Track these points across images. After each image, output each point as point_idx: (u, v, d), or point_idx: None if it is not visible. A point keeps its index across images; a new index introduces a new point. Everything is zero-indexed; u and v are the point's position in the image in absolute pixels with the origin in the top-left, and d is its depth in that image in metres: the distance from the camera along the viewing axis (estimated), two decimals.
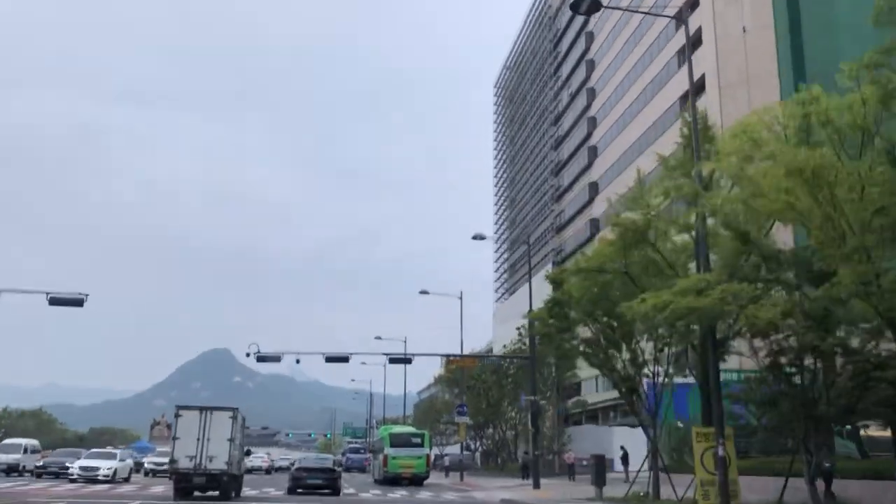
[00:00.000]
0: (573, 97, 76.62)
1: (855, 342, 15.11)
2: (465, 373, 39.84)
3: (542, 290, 77.90)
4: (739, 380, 19.98)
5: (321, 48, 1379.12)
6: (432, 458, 41.88)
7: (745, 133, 14.03)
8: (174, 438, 19.63)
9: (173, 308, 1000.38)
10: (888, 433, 19.53)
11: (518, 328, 40.65)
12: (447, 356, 30.36)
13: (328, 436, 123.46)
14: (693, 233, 16.55)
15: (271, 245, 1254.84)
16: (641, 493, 20.01)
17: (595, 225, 69.00)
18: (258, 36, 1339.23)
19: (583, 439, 38.12)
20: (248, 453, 29.95)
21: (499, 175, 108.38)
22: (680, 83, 54.17)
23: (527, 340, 38.48)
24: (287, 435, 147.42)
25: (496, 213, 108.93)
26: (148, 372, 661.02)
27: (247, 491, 24.16)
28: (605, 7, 15.57)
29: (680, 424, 26.48)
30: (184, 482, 19.50)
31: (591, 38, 72.75)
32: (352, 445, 74.81)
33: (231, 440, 19.54)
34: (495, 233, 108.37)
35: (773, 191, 12.88)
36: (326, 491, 24.62)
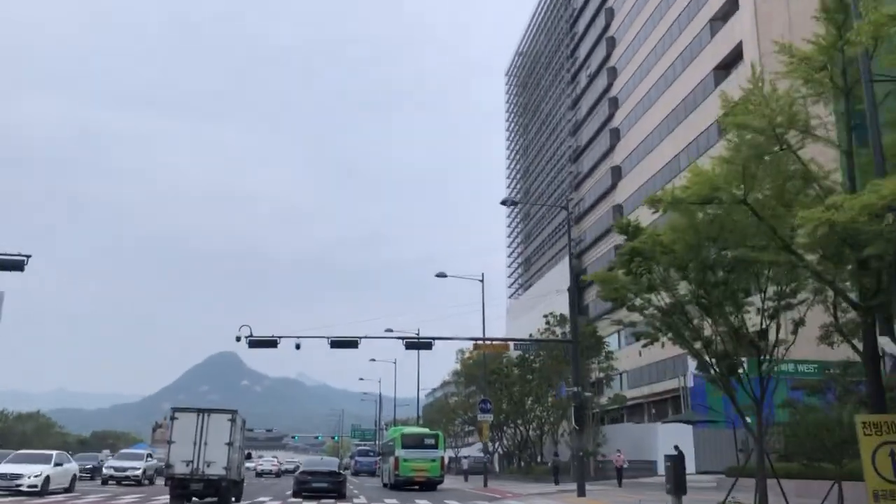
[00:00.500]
0: (592, 78, 72.53)
1: None
2: (486, 365, 35.77)
3: (559, 285, 73.23)
4: None
5: (324, 48, 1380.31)
6: (446, 460, 38.08)
7: None
8: (170, 442, 18.75)
9: (180, 311, 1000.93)
10: None
11: (546, 315, 36.59)
12: (473, 339, 26.35)
13: (336, 438, 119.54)
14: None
15: (277, 247, 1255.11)
16: None
17: (619, 211, 64.85)
18: (261, 37, 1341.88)
19: (620, 439, 33.93)
20: (249, 457, 28.75)
21: (511, 166, 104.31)
22: (714, 54, 50.06)
23: (556, 329, 34.39)
24: (293, 438, 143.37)
25: (509, 207, 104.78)
26: (156, 376, 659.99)
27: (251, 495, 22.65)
28: None
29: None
30: (180, 488, 18.57)
31: (611, 14, 68.72)
32: (360, 448, 70.80)
33: (230, 444, 18.59)
34: (508, 226, 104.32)
35: None
36: (332, 495, 24.15)
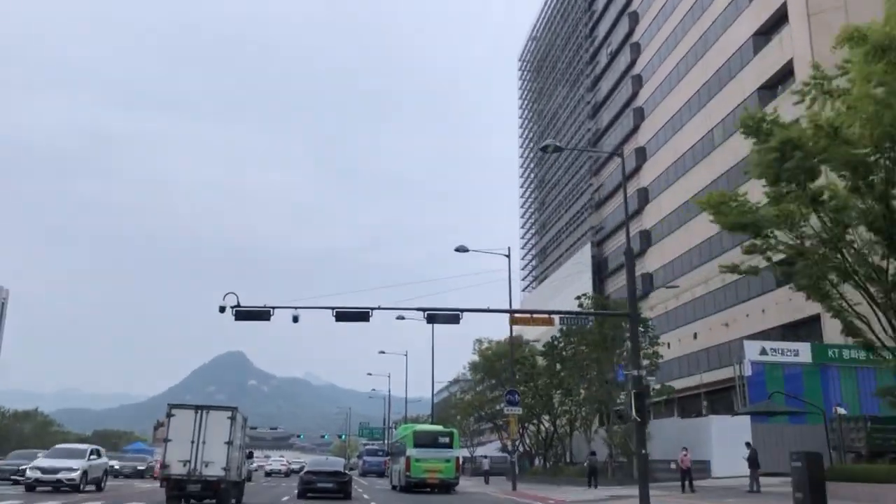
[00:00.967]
0: (614, 56, 68.59)
1: None
2: (512, 353, 32.01)
3: (577, 274, 69.57)
4: None
5: (330, 46, 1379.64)
6: (461, 461, 34.51)
7: None
8: (166, 440, 18.02)
9: (187, 311, 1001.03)
10: None
11: (578, 297, 32.75)
12: (509, 311, 22.62)
13: (342, 437, 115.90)
14: None
15: (284, 247, 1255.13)
16: None
17: (644, 195, 60.94)
18: (266, 37, 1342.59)
19: (666, 435, 29.96)
20: (250, 456, 27.34)
21: (524, 155, 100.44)
22: (752, 20, 46.10)
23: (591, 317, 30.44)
24: (299, 437, 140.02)
25: (522, 197, 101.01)
26: (163, 376, 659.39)
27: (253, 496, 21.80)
28: None
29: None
30: (176, 490, 17.71)
31: None
32: (369, 447, 67.09)
33: (229, 443, 17.74)
34: (521, 216, 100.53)
35: None
36: (338, 496, 23.90)
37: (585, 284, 70.46)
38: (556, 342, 35.73)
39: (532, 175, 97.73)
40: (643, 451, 17.67)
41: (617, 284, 63.55)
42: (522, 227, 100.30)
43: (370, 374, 70.56)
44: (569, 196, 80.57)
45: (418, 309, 18.64)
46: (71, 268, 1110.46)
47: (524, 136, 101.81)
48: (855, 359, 27.84)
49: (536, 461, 42.19)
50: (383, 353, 56.40)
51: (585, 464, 29.64)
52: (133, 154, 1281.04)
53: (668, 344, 41.88)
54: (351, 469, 40.79)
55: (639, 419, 17.10)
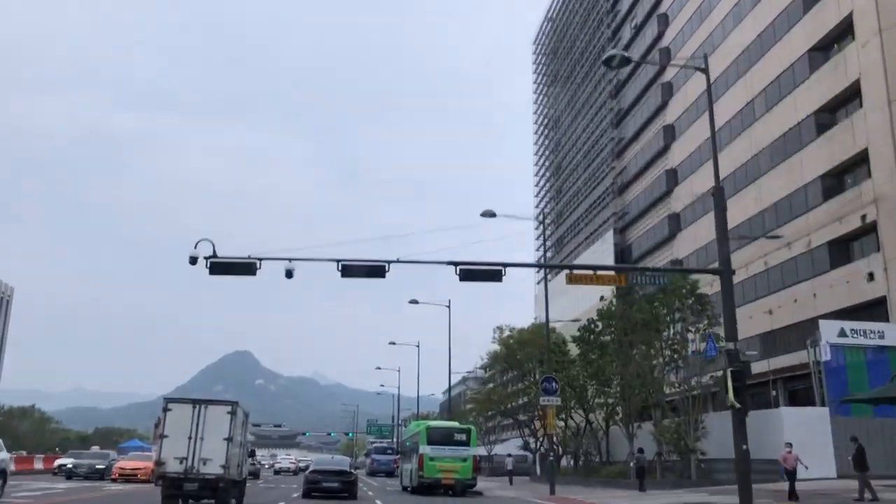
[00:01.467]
0: (639, 29, 64.40)
1: None
2: (548, 331, 27.89)
3: (596, 262, 65.52)
4: None
5: (336, 45, 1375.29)
6: (479, 460, 30.91)
7: None
8: (162, 436, 16.84)
9: (195, 311, 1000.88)
10: None
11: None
12: (562, 267, 18.70)
13: (350, 435, 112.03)
14: None
15: (291, 246, 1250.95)
16: None
17: (673, 176, 56.78)
18: (272, 37, 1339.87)
19: (726, 430, 25.68)
20: (253, 454, 26.65)
21: (539, 142, 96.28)
22: None
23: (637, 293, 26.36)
24: (304, 434, 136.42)
25: (537, 185, 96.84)
26: (171, 375, 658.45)
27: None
28: None
29: None
30: (172, 489, 16.66)
31: None
32: (377, 444, 63.18)
33: (229, 439, 16.75)
34: (536, 206, 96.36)
35: None
36: (343, 495, 23.69)
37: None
38: (592, 326, 31.64)
39: (548, 163, 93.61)
40: (744, 447, 13.53)
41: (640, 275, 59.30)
42: (537, 219, 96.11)
43: (379, 368, 66.77)
44: (588, 182, 76.43)
45: (450, 263, 14.66)
46: (80, 268, 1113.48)
47: (539, 123, 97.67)
48: None
49: (564, 460, 38.08)
50: (394, 343, 52.60)
51: (632, 463, 25.49)
52: (141, 154, 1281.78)
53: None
54: (357, 468, 39.31)
55: (738, 405, 13.05)
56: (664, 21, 59.55)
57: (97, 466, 33.94)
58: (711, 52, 51.50)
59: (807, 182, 40.28)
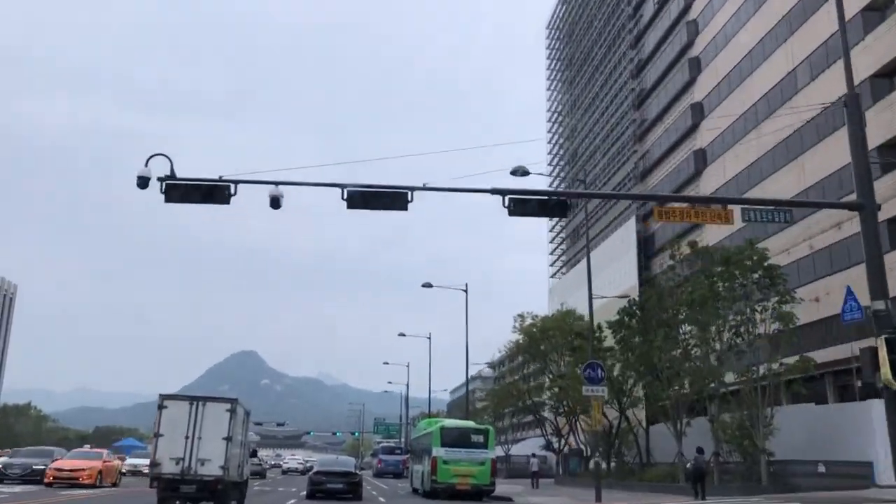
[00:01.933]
0: (663, 2, 60.64)
1: None
2: (591, 306, 24.08)
3: (619, 253, 61.92)
4: None
5: (342, 42, 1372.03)
6: (497, 463, 27.82)
7: None
8: (156, 435, 15.96)
9: (201, 310, 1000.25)
10: None
11: (673, 250, 24.95)
12: (655, 199, 15.17)
13: (356, 435, 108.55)
14: None
15: (298, 246, 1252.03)
16: None
17: (702, 157, 53.04)
18: (278, 35, 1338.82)
19: (796, 427, 21.95)
20: (254, 454, 25.36)
21: (553, 129, 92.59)
22: None
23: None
24: (308, 433, 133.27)
25: (551, 175, 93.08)
26: (177, 375, 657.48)
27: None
28: None
29: None
30: (168, 491, 15.68)
31: None
32: (385, 444, 59.72)
33: (228, 438, 15.70)
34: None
35: None
36: (348, 496, 23.49)
37: (629, 264, 62.70)
38: (632, 307, 27.90)
39: (562, 151, 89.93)
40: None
41: (664, 265, 55.56)
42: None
43: (387, 364, 63.22)
44: (606, 169, 72.73)
45: (491, 191, 11.08)
46: (86, 268, 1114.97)
47: (552, 110, 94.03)
48: None
49: (594, 461, 34.26)
50: (403, 335, 49.05)
51: (688, 465, 21.66)
52: (144, 153, 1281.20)
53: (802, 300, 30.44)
54: (363, 469, 37.52)
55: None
56: None
57: (35, 467, 27.65)
58: (746, 21, 48.00)
59: None
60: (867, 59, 36.68)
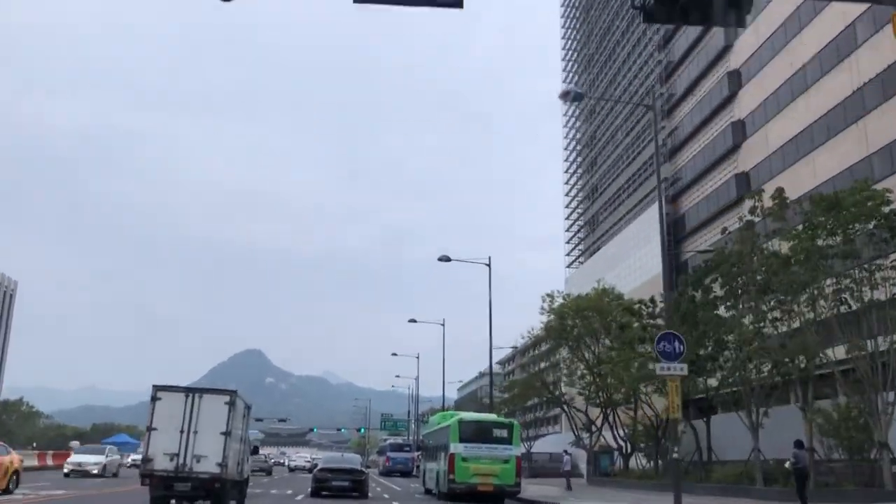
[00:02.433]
0: None
1: None
2: (665, 265, 19.74)
3: (642, 239, 57.48)
4: None
5: (347, 42, 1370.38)
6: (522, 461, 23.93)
7: None
8: (149, 429, 14.79)
9: (206, 310, 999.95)
10: None
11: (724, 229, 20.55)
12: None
13: (361, 431, 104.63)
14: None
15: (302, 247, 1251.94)
16: None
17: (740, 129, 48.71)
18: (283, 35, 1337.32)
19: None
20: (256, 451, 23.66)
21: (569, 112, 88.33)
22: None
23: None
24: (312, 430, 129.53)
25: (567, 161, 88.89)
26: (182, 374, 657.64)
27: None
28: None
29: None
30: (162, 489, 14.60)
31: None
32: (393, 441, 55.64)
33: (227, 433, 14.67)
34: (566, 182, 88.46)
35: None
36: (353, 494, 23.00)
37: (655, 249, 58.55)
38: (698, 273, 23.60)
39: (579, 134, 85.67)
40: None
41: (697, 247, 51.21)
42: (567, 195, 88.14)
43: (395, 355, 59.13)
44: (629, 149, 68.38)
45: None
46: (92, 267, 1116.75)
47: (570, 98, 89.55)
48: None
49: (634, 459, 30.06)
50: (414, 321, 44.86)
51: (787, 464, 17.16)
52: (150, 153, 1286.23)
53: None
54: (368, 467, 35.71)
55: None
56: None
57: None
58: None
59: None
60: None
